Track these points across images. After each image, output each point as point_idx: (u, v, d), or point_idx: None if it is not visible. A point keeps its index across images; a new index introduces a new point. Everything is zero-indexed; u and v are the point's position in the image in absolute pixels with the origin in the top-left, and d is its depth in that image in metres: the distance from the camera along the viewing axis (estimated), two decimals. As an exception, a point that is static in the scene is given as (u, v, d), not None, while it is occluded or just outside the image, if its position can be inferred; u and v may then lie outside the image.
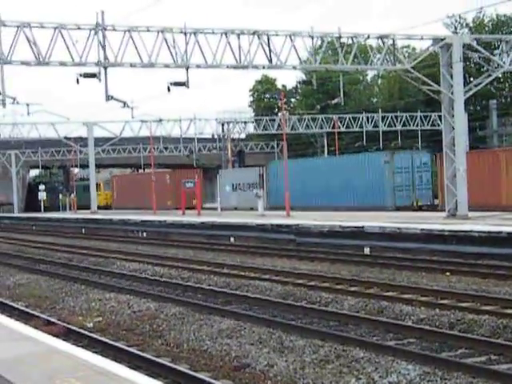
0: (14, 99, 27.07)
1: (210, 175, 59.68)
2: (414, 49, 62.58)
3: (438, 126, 48.33)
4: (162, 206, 46.88)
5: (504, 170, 30.03)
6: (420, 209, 34.04)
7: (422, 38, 26.64)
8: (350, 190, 35.99)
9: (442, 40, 26.09)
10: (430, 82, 26.64)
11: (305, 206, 35.75)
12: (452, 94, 25.77)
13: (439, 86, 26.30)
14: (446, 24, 58.84)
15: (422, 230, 21.25)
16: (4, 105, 24.43)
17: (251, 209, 40.04)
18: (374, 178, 35.13)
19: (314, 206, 34.17)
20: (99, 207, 54.34)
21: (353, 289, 14.78)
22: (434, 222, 23.06)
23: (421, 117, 56.06)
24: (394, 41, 25.92)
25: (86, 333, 11.62)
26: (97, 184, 56.99)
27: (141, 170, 70.07)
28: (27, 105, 43.98)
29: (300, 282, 16.09)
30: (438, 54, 27.01)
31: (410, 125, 56.37)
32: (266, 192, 42.34)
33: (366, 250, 21.99)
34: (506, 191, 29.83)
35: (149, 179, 48.22)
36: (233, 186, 45.21)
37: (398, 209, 34.16)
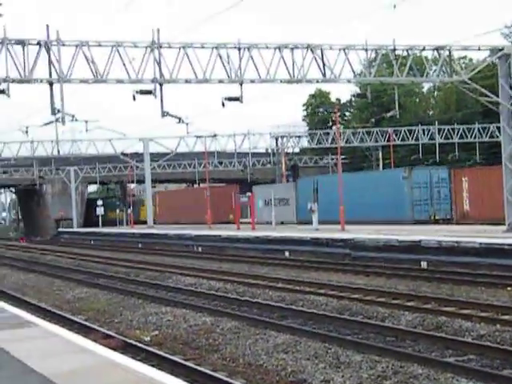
0: (73, 116, 27.67)
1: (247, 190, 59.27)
2: (470, 60, 61.64)
3: (497, 137, 47.38)
4: (199, 221, 47.97)
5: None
6: (437, 222, 34.97)
7: (479, 49, 26.25)
8: (372, 204, 36.71)
9: (500, 50, 25.63)
10: (488, 93, 26.18)
11: (328, 220, 35.97)
12: (511, 105, 25.25)
13: (498, 97, 25.81)
14: (504, 34, 57.83)
15: (480, 244, 20.81)
16: (64, 122, 25.03)
17: (282, 223, 42.28)
18: (394, 193, 36.28)
19: (337, 220, 33.85)
20: (141, 222, 55.19)
21: (410, 304, 14.54)
22: (494, 236, 22.57)
23: (479, 129, 55.10)
24: (450, 52, 25.60)
25: (144, 346, 11.72)
26: (141, 200, 58.01)
27: (196, 185, 70.74)
28: (86, 122, 45.04)
29: (356, 296, 15.93)
30: (496, 65, 26.54)
31: (467, 137, 55.46)
32: (296, 207, 44.20)
33: (423, 265, 21.65)
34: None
35: (187, 195, 48.83)
36: (265, 201, 46.40)
37: (416, 222, 35.11)
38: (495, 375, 8.91)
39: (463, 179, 34.00)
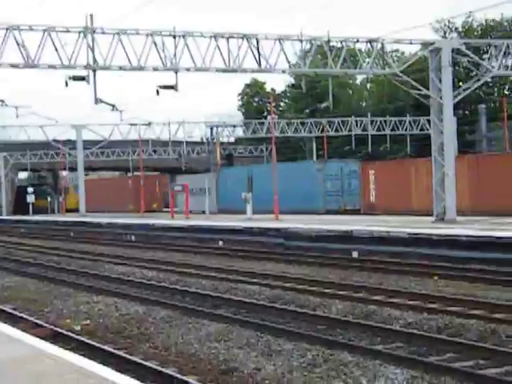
0: (3, 102, 26.98)
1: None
2: (403, 53, 62.87)
3: (427, 130, 48.50)
4: (123, 209, 49.76)
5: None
6: (346, 212, 36.73)
7: (411, 43, 26.76)
8: (289, 194, 37.45)
9: (431, 44, 26.21)
10: (419, 86, 26.74)
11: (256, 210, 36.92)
12: (441, 98, 25.87)
13: (428, 90, 26.40)
14: (435, 28, 59.20)
15: (409, 234, 21.32)
16: (-8, 107, 24.37)
17: (203, 212, 43.62)
18: (309, 184, 37.94)
19: (257, 210, 35.88)
20: (68, 210, 55.26)
21: (341, 293, 14.79)
22: (423, 227, 23.15)
23: (410, 121, 56.24)
24: (383, 45, 26.01)
25: (74, 336, 11.57)
26: (66, 188, 57.97)
27: (130, 174, 69.96)
28: (16, 108, 43.83)
29: (288, 285, 16.10)
30: (427, 59, 27.14)
31: (398, 129, 56.53)
32: (216, 196, 46.83)
33: (355, 254, 22.03)
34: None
35: (114, 184, 49.48)
36: (191, 190, 47.16)
37: (327, 212, 37.20)
38: (421, 362, 9.16)
39: (370, 172, 35.54)
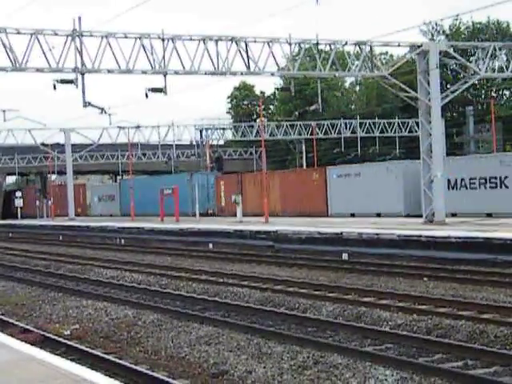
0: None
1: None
2: (391, 56, 63.14)
3: (416, 132, 48.68)
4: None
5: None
6: (209, 215, 45.04)
7: (399, 45, 26.85)
8: (169, 200, 43.66)
9: (419, 47, 26.30)
10: (407, 88, 26.84)
11: (141, 214, 47.99)
12: (429, 100, 25.98)
13: (416, 92, 26.50)
14: (423, 31, 59.47)
15: (399, 236, 21.37)
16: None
17: (111, 215, 53.05)
18: (182, 192, 44.29)
19: (148, 213, 47.35)
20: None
21: (331, 295, 14.80)
22: (412, 228, 23.21)
23: (398, 123, 56.46)
24: (371, 47, 26.08)
25: (63, 340, 11.52)
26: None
27: (119, 177, 69.79)
28: (3, 111, 43.71)
29: (278, 288, 16.10)
30: (415, 61, 27.22)
31: (387, 131, 56.74)
32: (119, 202, 55.46)
33: (344, 256, 22.07)
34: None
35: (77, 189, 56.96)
36: (98, 197, 56.40)
37: (194, 215, 42.63)
38: (411, 363, 9.19)
39: (221, 183, 45.36)
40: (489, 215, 27.87)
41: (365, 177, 34.36)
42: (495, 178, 28.11)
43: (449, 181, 29.50)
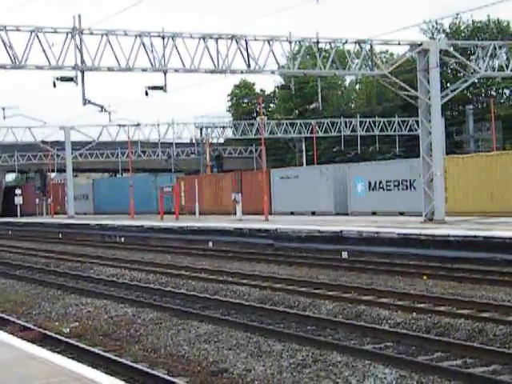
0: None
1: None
2: (391, 54, 63.10)
3: (416, 130, 48.66)
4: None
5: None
6: (171, 213, 45.22)
7: (399, 44, 26.82)
8: (140, 199, 47.91)
9: (419, 46, 26.28)
10: (407, 87, 26.82)
11: (113, 211, 51.84)
12: (429, 99, 25.96)
13: (416, 91, 26.48)
14: (423, 30, 59.45)
15: (398, 234, 21.38)
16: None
17: (85, 213, 55.17)
18: (147, 192, 48.99)
19: (119, 210, 50.33)
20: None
21: (330, 293, 14.81)
22: (412, 227, 23.21)
23: (398, 122, 56.43)
24: (371, 46, 26.05)
25: (63, 338, 11.52)
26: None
27: (119, 175, 69.78)
28: (3, 108, 43.69)
29: (278, 286, 16.10)
30: (415, 60, 27.20)
31: (387, 130, 56.72)
32: (93, 201, 58.59)
33: (344, 255, 22.07)
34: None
35: (56, 189, 59.66)
36: (74, 196, 56.99)
37: (159, 213, 45.14)
38: (410, 361, 9.19)
39: (182, 183, 47.26)
40: (401, 214, 30.97)
41: (302, 179, 37.46)
42: (406, 181, 31.69)
43: (369, 183, 33.38)
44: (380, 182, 32.96)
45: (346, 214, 30.76)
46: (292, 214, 36.89)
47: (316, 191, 35.82)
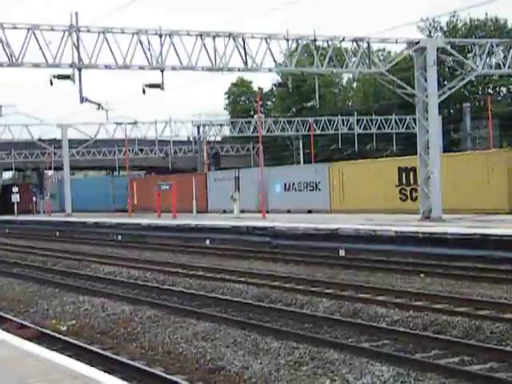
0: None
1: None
2: (389, 52, 63.11)
3: (413, 128, 48.67)
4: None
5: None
6: (123, 211, 48.73)
7: (396, 42, 26.81)
8: (99, 198, 53.80)
9: (416, 44, 26.28)
10: (404, 85, 26.82)
11: (81, 210, 52.59)
12: (426, 97, 25.97)
13: (413, 89, 26.48)
14: (421, 27, 59.46)
15: (396, 232, 21.39)
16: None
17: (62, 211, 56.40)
18: (105, 191, 53.88)
19: (88, 209, 53.02)
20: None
21: (328, 291, 14.82)
22: (409, 225, 23.22)
23: (396, 120, 56.43)
24: (368, 44, 26.05)
25: (60, 336, 11.52)
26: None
27: (116, 173, 69.67)
28: (0, 106, 43.60)
29: (275, 284, 16.11)
30: (413, 58, 27.21)
31: (384, 128, 56.71)
32: (59, 200, 59.30)
33: (341, 252, 22.08)
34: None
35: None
36: (50, 194, 59.76)
37: (116, 211, 50.73)
38: (408, 359, 9.21)
39: (134, 184, 50.97)
40: (309, 211, 35.15)
41: (230, 181, 39.90)
42: (313, 182, 36.14)
43: (285, 184, 37.91)
44: (293, 184, 37.46)
45: (267, 212, 34.15)
46: (224, 212, 39.63)
47: (246, 191, 38.40)
